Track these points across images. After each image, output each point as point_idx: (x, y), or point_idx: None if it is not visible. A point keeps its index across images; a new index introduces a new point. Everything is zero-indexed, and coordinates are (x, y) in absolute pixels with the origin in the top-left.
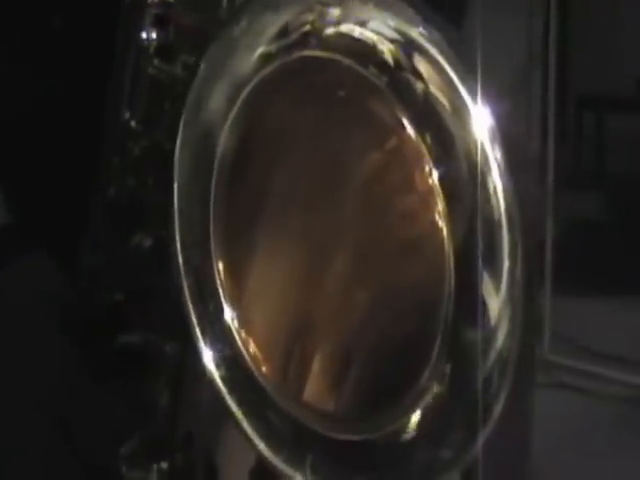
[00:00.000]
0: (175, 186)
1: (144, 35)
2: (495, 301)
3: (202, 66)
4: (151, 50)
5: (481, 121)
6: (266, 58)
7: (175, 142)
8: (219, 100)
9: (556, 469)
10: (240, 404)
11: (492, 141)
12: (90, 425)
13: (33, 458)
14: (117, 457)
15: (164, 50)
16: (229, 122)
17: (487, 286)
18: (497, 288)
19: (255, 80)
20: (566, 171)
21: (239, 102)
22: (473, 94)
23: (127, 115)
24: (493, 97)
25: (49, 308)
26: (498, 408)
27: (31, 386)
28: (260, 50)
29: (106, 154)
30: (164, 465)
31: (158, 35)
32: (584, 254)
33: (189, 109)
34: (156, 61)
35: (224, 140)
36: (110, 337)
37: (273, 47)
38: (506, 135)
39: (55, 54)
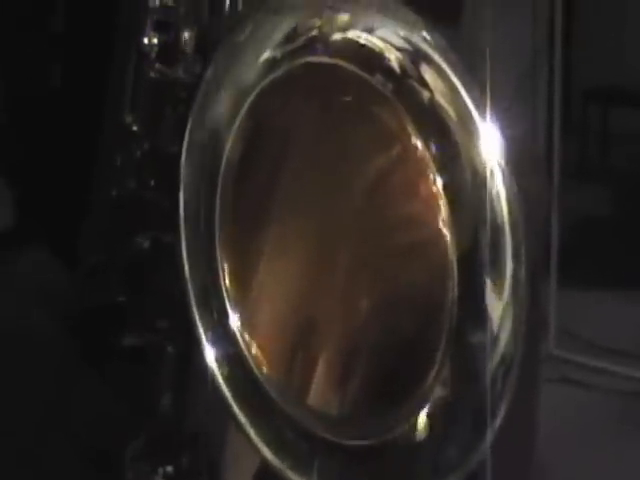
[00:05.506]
0: (181, 190)
1: (145, 40)
2: (498, 304)
3: (208, 72)
4: (152, 54)
5: (489, 136)
6: (271, 64)
7: (177, 145)
8: (225, 106)
9: (561, 463)
10: (244, 411)
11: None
12: (93, 428)
13: (34, 460)
14: (121, 461)
15: (166, 54)
16: (235, 127)
17: (490, 290)
18: (500, 291)
19: (261, 86)
20: (572, 164)
21: (245, 107)
22: (480, 108)
23: (129, 119)
24: (500, 110)
25: (50, 307)
26: (503, 409)
27: (31, 389)
28: (265, 55)
29: (107, 156)
30: (169, 469)
31: (159, 40)
32: (590, 248)
33: (195, 114)
34: (157, 65)
35: (231, 145)
36: (112, 338)
37: (278, 52)
38: (512, 146)
39: (56, 56)
